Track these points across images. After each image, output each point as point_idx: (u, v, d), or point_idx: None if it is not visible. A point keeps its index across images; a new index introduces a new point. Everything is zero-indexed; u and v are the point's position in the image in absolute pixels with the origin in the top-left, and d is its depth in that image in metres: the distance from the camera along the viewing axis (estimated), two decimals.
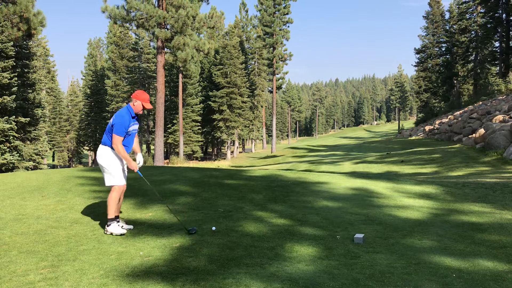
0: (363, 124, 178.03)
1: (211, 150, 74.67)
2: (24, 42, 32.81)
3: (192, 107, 58.53)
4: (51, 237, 5.03)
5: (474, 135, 19.96)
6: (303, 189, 8.15)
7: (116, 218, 5.44)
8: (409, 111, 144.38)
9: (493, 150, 16.19)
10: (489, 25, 45.05)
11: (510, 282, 3.79)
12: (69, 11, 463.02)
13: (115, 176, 5.23)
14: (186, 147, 56.48)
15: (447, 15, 62.54)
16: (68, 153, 69.18)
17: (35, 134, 32.99)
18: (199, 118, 59.64)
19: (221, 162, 51.62)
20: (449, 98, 56.65)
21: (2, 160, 26.70)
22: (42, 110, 35.02)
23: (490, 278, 3.88)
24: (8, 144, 27.85)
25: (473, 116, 24.42)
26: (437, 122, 36.02)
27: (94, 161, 63.13)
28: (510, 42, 42.55)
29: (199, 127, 60.41)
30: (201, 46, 26.69)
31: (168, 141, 56.32)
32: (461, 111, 33.15)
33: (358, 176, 11.13)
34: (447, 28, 60.88)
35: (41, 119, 34.93)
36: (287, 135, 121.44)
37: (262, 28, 61.21)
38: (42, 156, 35.00)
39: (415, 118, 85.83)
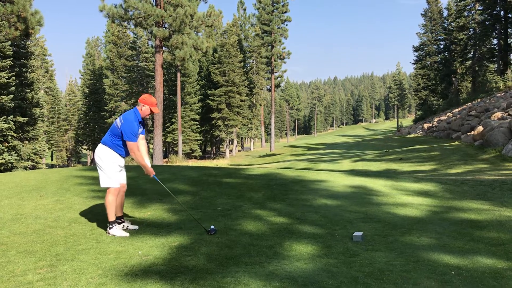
0: (362, 122, 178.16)
1: (210, 148, 74.66)
2: (22, 42, 32.74)
3: (190, 106, 58.49)
4: (49, 237, 5.01)
5: (472, 132, 19.97)
6: (302, 187, 8.15)
7: (121, 218, 5.42)
8: (407, 109, 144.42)
9: (492, 147, 16.20)
10: (487, 23, 45.05)
11: (509, 279, 3.79)
12: (67, 10, 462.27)
13: (111, 177, 5.14)
14: (185, 146, 56.46)
15: (445, 13, 62.58)
16: (66, 153, 69.09)
17: (34, 134, 32.95)
18: (197, 117, 59.61)
19: (220, 160, 51.59)
20: (448, 95, 56.70)
21: (1, 160, 26.66)
22: (40, 109, 34.97)
23: (489, 275, 3.88)
24: (7, 144, 27.81)
25: (472, 114, 24.43)
26: (436, 119, 36.04)
27: (93, 161, 62.98)
28: (508, 40, 42.56)
29: (198, 126, 60.38)
30: (199, 44, 26.67)
31: (167, 140, 56.29)
32: (459, 109, 33.18)
33: (357, 174, 11.13)
34: (445, 25, 60.91)
35: (39, 118, 34.89)
36: (286, 134, 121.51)
37: (260, 26, 61.16)
38: (41, 155, 34.98)
39: (414, 115, 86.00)
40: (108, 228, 5.16)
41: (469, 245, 4.84)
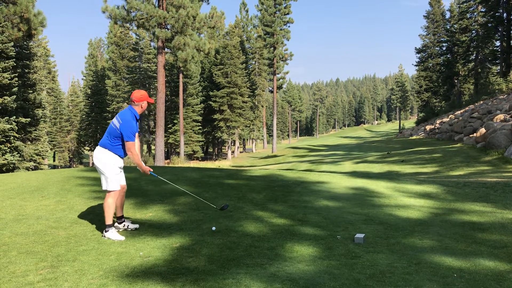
0: (364, 123, 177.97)
1: (211, 150, 74.71)
2: (25, 43, 32.82)
3: (192, 107, 58.55)
4: (50, 238, 5.01)
5: (475, 134, 19.93)
6: (303, 189, 8.14)
7: (121, 218, 5.42)
8: (410, 110, 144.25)
9: (494, 150, 16.16)
10: (490, 25, 44.96)
11: (511, 282, 3.77)
12: (69, 11, 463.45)
13: (111, 180, 5.08)
14: (186, 147, 56.50)
15: (447, 15, 62.52)
16: (69, 154, 69.22)
17: (36, 135, 33.00)
18: (199, 118, 59.66)
19: (221, 162, 51.63)
20: (450, 97, 56.60)
21: (3, 160, 26.71)
22: (43, 110, 35.05)
23: (491, 278, 3.86)
24: (9, 145, 27.86)
25: (474, 116, 24.38)
26: (438, 121, 35.98)
27: None
28: (511, 42, 42.47)
29: (200, 127, 60.42)
30: (201, 46, 26.70)
31: (168, 141, 56.34)
32: (462, 111, 33.12)
33: (359, 175, 11.11)
34: (448, 27, 60.82)
35: (41, 119, 34.95)
36: (288, 135, 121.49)
37: (262, 28, 61.22)
38: (43, 156, 35.05)
39: (416, 117, 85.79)
40: (104, 231, 5.08)
41: (471, 248, 4.82)
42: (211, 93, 61.41)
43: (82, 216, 6.12)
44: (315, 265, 4.15)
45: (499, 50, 45.45)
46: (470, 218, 6.17)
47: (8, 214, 6.21)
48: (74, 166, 67.52)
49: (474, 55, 52.81)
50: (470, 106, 33.87)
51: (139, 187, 7.94)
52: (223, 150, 77.46)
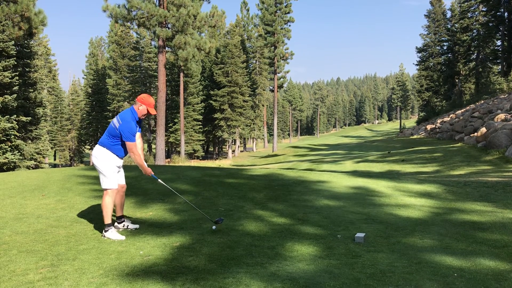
0: (365, 123, 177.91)
1: (212, 149, 74.74)
2: (25, 41, 32.83)
3: (193, 106, 58.56)
4: (51, 236, 5.01)
5: (475, 134, 19.91)
6: (304, 188, 8.13)
7: (121, 218, 5.41)
8: (410, 110, 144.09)
9: (495, 149, 16.15)
10: (491, 24, 44.92)
11: (511, 282, 3.76)
12: (70, 10, 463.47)
13: (109, 178, 5.08)
14: (187, 146, 56.52)
15: (448, 14, 62.46)
16: (69, 152, 69.26)
17: (37, 133, 33.02)
18: (200, 117, 59.68)
19: (222, 161, 51.63)
20: (451, 97, 56.56)
21: (4, 159, 26.73)
22: (44, 109, 35.07)
23: (491, 278, 3.85)
24: (10, 143, 27.89)
25: (475, 115, 24.36)
26: (439, 121, 35.96)
27: None
28: None
29: (201, 126, 60.45)
30: (202, 45, 26.69)
31: (169, 140, 56.37)
32: (462, 110, 33.10)
33: (359, 175, 11.10)
34: (449, 26, 60.77)
35: (42, 118, 34.98)
36: (289, 134, 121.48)
37: (263, 27, 61.18)
38: (44, 155, 35.08)
39: (417, 117, 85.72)
40: (103, 231, 5.07)
41: (472, 247, 4.81)
42: (211, 92, 61.41)
43: (83, 215, 6.12)
44: (316, 264, 4.14)
45: (500, 49, 45.41)
46: (471, 217, 6.16)
47: (8, 212, 6.21)
48: (75, 165, 67.56)
49: (475, 54, 52.77)
50: (471, 105, 33.85)
51: (139, 186, 7.94)
52: (223, 149, 77.51)
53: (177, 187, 7.97)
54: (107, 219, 5.05)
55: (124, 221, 5.44)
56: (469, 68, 54.67)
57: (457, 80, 57.30)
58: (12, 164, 27.61)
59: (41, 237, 5.00)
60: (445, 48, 61.99)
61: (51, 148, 60.20)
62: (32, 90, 33.51)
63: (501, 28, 43.74)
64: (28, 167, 29.70)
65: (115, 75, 61.29)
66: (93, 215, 6.03)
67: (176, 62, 33.69)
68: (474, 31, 52.33)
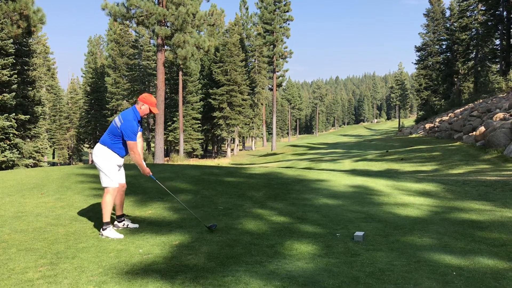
0: (364, 122, 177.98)
1: (211, 147, 74.70)
2: (24, 40, 32.71)
3: (192, 104, 58.52)
4: (50, 235, 5.01)
5: (474, 133, 19.94)
6: (303, 187, 8.14)
7: (121, 217, 5.41)
8: (409, 109, 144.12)
9: (494, 148, 16.17)
10: (489, 23, 44.95)
11: (510, 280, 3.77)
12: (69, 8, 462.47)
13: (109, 176, 5.09)
14: (186, 144, 56.49)
15: (447, 13, 62.46)
16: (68, 151, 69.20)
17: (35, 132, 32.95)
18: (199, 115, 59.63)
19: (221, 159, 51.63)
20: (450, 96, 56.61)
21: (2, 157, 26.69)
22: (42, 107, 34.96)
23: (490, 276, 3.86)
24: (8, 142, 27.84)
25: (474, 114, 24.39)
26: (438, 120, 35.99)
27: None
28: (511, 40, 42.46)
29: (199, 124, 60.41)
30: (201, 43, 26.68)
31: (168, 139, 56.33)
32: (461, 109, 33.12)
33: (358, 174, 11.11)
34: (448, 25, 60.80)
35: (41, 116, 34.90)
36: (287, 133, 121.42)
37: (262, 25, 61.12)
38: (42, 153, 35.03)
39: (416, 116, 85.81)
40: (101, 229, 5.06)
41: (471, 246, 4.82)
42: (210, 90, 61.36)
43: (82, 213, 6.12)
44: (315, 263, 4.15)
45: (499, 48, 45.44)
46: (470, 216, 6.17)
47: (7, 211, 6.21)
48: (74, 163, 67.51)
49: (474, 53, 52.80)
50: (470, 104, 33.87)
51: (138, 184, 7.94)
52: (222, 148, 77.48)
53: (176, 185, 7.97)
54: (106, 217, 5.05)
55: (124, 220, 5.44)
56: (468, 67, 54.70)
57: (456, 79, 57.35)
58: (11, 162, 27.57)
59: (40, 235, 5.00)
60: (444, 47, 62.03)
61: (50, 146, 60.11)
62: (31, 88, 33.43)
63: (500, 27, 43.77)
64: (27, 166, 29.66)
65: (114, 74, 61.21)
66: (92, 214, 6.03)
67: (175, 61, 33.66)
68: (473, 30, 52.37)
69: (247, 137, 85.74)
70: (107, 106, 61.41)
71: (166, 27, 25.80)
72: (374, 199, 7.33)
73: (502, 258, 4.38)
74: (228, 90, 60.22)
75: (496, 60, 47.52)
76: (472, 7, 52.17)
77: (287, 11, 59.87)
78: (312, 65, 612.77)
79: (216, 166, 15.01)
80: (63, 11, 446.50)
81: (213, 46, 29.08)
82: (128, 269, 3.88)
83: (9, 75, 28.07)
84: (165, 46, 26.86)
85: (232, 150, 69.48)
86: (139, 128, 5.26)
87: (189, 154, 58.16)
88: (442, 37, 61.98)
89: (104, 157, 5.12)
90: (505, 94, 29.65)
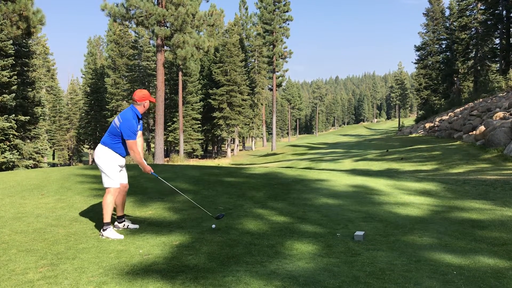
0: (364, 121, 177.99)
1: (211, 148, 74.69)
2: (24, 41, 32.71)
3: (192, 105, 58.52)
4: (50, 236, 5.01)
5: (474, 132, 19.94)
6: (303, 187, 8.14)
7: (121, 217, 5.41)
8: (409, 108, 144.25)
9: (494, 147, 16.17)
10: (489, 22, 44.96)
11: (510, 279, 3.77)
12: (68, 9, 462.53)
13: (111, 177, 5.09)
14: (186, 145, 56.49)
15: (447, 12, 62.44)
16: (68, 152, 69.21)
17: (35, 133, 32.93)
18: (199, 116, 59.63)
19: (221, 160, 51.62)
20: (449, 95, 56.61)
21: (2, 158, 26.68)
22: (42, 108, 34.94)
23: (491, 275, 3.86)
24: (8, 143, 27.83)
25: (474, 113, 24.39)
26: (437, 119, 35.99)
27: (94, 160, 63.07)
28: (511, 39, 42.46)
29: (199, 125, 60.41)
30: (200, 44, 26.67)
31: (168, 139, 56.33)
32: (461, 108, 33.12)
33: (358, 173, 11.11)
34: (447, 25, 60.79)
35: (41, 117, 34.86)
36: (287, 133, 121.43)
37: (262, 25, 61.13)
38: (42, 154, 34.97)
39: (416, 115, 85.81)
40: (101, 230, 5.05)
41: (471, 245, 4.82)
42: (210, 91, 61.37)
43: (82, 214, 6.12)
44: (315, 262, 4.15)
45: (499, 47, 45.46)
46: (470, 215, 6.17)
47: (7, 212, 6.20)
48: (74, 164, 67.51)
49: (474, 52, 52.80)
50: (470, 104, 33.87)
51: (138, 184, 7.94)
52: (222, 148, 77.48)
53: (176, 186, 7.95)
54: (107, 218, 5.05)
55: (124, 220, 5.43)
56: (468, 66, 54.70)
57: (455, 79, 57.33)
58: (11, 163, 27.56)
59: (40, 236, 4.99)
60: (443, 46, 62.02)
61: (50, 147, 60.08)
62: (31, 89, 33.41)
63: (499, 26, 43.78)
64: (27, 167, 29.64)
65: (113, 74, 61.20)
66: (93, 214, 6.03)
67: (174, 61, 33.67)
68: (473, 29, 52.37)
69: (247, 137, 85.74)
70: (107, 106, 61.40)
71: (166, 27, 25.80)
72: (374, 198, 7.32)
73: (503, 257, 4.38)
74: (228, 90, 60.22)
75: (496, 59, 47.54)
76: (471, 6, 52.18)
77: (287, 11, 59.88)
78: (312, 65, 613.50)
79: (216, 166, 15.02)
80: (62, 12, 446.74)
81: (212, 47, 29.07)
82: (129, 270, 3.88)
83: (8, 76, 28.06)
84: (165, 47, 26.87)
85: (232, 150, 69.47)
86: (139, 126, 5.26)
87: (189, 155, 58.17)
88: (441, 37, 61.96)
89: (105, 158, 5.12)
90: (505, 93, 29.64)
